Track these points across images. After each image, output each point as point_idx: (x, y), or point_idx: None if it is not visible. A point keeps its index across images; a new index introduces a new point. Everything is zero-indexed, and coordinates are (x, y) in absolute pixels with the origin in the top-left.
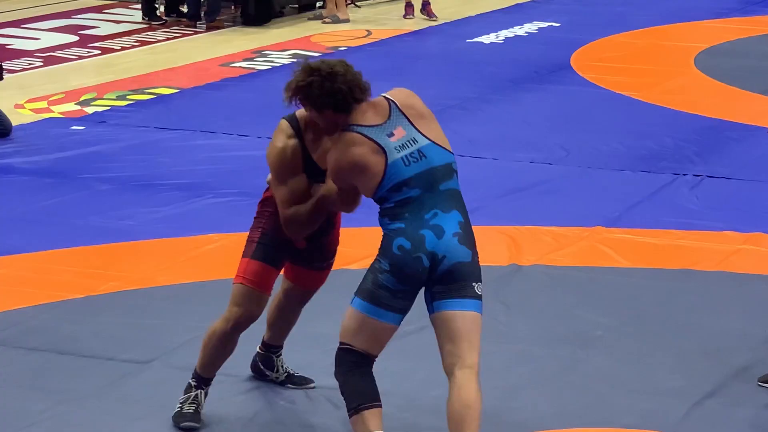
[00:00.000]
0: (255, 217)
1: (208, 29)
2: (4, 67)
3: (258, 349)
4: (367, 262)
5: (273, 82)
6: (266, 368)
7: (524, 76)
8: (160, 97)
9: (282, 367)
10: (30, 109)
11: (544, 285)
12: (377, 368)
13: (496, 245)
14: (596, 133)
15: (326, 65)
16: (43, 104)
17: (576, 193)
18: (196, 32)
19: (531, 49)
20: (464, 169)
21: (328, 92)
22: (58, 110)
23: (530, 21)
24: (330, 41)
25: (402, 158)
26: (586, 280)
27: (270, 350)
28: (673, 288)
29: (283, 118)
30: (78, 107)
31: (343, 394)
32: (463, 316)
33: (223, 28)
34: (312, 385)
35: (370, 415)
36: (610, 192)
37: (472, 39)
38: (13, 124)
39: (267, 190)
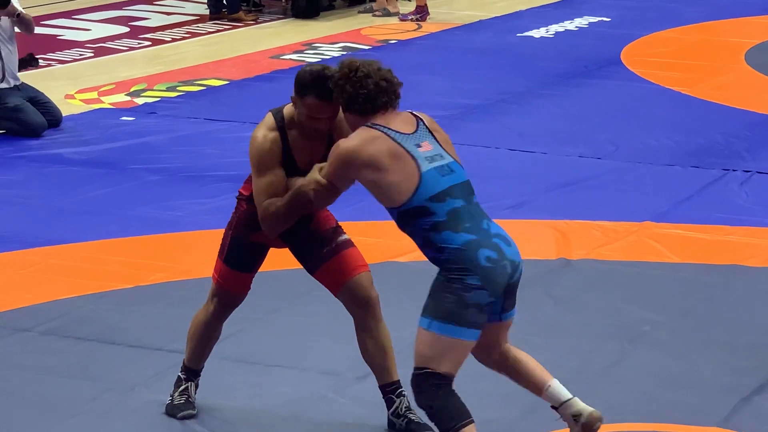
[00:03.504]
0: (233, 215)
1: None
2: (51, 57)
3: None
4: (416, 255)
5: None
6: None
7: (574, 70)
8: (210, 89)
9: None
10: (80, 100)
11: (592, 279)
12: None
13: (545, 239)
14: (646, 128)
15: (364, 67)
16: (94, 95)
17: (625, 188)
18: (247, 25)
19: (581, 43)
20: (513, 162)
21: (356, 94)
22: (108, 101)
23: (580, 16)
24: (380, 34)
25: (436, 168)
26: (635, 274)
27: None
28: (721, 283)
29: (270, 111)
30: (128, 98)
31: (433, 418)
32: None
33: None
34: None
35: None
36: (659, 187)
37: (522, 33)
38: (64, 114)
39: (244, 185)
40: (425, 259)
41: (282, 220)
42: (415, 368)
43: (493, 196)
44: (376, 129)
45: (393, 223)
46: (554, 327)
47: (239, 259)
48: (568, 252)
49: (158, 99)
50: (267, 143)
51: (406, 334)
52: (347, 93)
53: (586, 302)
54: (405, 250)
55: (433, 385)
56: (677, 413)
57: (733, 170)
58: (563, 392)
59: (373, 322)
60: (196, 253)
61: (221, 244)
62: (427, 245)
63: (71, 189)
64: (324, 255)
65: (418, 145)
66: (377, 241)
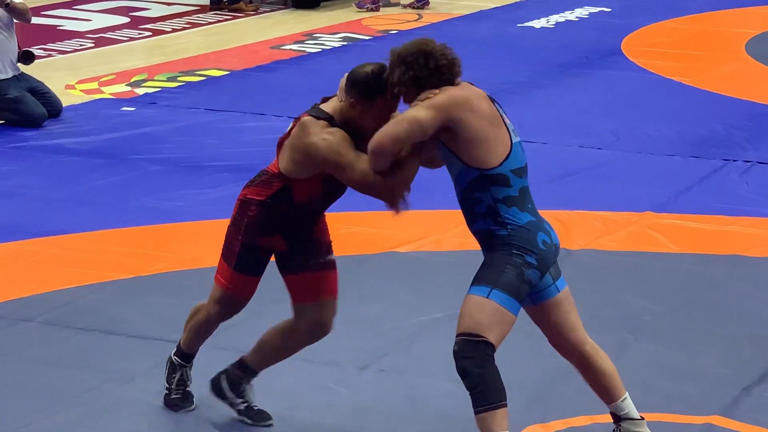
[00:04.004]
0: (235, 219)
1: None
2: (51, 47)
3: (233, 368)
4: (416, 245)
5: (323, 65)
6: (232, 389)
7: (575, 61)
8: (211, 79)
9: (245, 394)
10: (81, 90)
11: (593, 269)
12: (426, 351)
13: None
14: (646, 118)
15: (431, 42)
16: (94, 85)
17: (626, 178)
18: (247, 15)
19: (582, 34)
20: None
21: (437, 65)
22: (108, 91)
23: (581, 6)
24: (381, 25)
25: (519, 143)
26: (635, 265)
27: (247, 373)
28: (722, 274)
29: (309, 115)
30: (128, 88)
31: (476, 388)
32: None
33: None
34: (270, 422)
35: (504, 414)
36: (659, 177)
37: (522, 23)
38: (64, 104)
39: (250, 188)
40: (426, 249)
41: (408, 181)
42: (468, 334)
43: None
44: (475, 87)
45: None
46: None
47: (250, 264)
48: (568, 242)
49: (159, 89)
50: (338, 135)
51: (406, 323)
52: (427, 68)
53: (586, 293)
54: (405, 240)
55: (486, 354)
56: (678, 404)
57: (734, 160)
58: (634, 409)
59: (305, 344)
60: (197, 244)
61: (228, 250)
62: (489, 215)
63: (71, 179)
64: (309, 265)
65: (505, 114)
66: (377, 231)
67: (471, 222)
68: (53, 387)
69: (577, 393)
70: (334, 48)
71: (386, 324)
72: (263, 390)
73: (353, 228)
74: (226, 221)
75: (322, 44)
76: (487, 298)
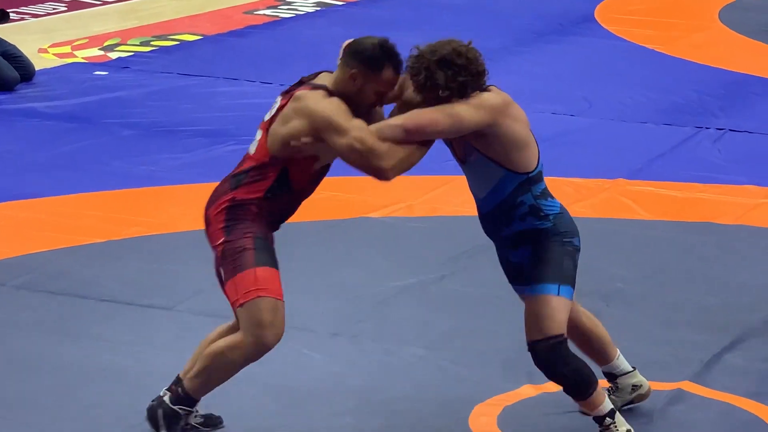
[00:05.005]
0: (225, 226)
1: None
2: (24, 11)
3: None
4: (388, 211)
5: (296, 30)
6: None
7: (548, 28)
8: (184, 44)
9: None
10: (53, 54)
11: None
12: (399, 317)
13: None
14: (619, 85)
15: (464, 47)
16: (67, 49)
17: (598, 145)
18: None
19: (555, 1)
20: None
21: (477, 72)
22: (81, 55)
23: None
24: None
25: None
26: (607, 232)
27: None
28: (693, 241)
29: (305, 83)
30: (101, 52)
31: (576, 384)
32: None
33: None
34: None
35: (599, 385)
36: (632, 144)
37: None
38: (36, 68)
39: (237, 189)
40: (397, 215)
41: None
42: (553, 336)
43: None
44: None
45: (366, 178)
46: None
47: (272, 256)
48: None
49: (132, 54)
50: (336, 101)
51: (379, 289)
52: (471, 74)
53: None
54: (377, 206)
55: (569, 350)
56: (649, 370)
57: (707, 128)
58: (627, 363)
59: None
60: (170, 208)
61: (235, 259)
62: (531, 214)
63: (44, 143)
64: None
65: None
66: (349, 197)
67: (507, 224)
68: (26, 351)
69: None
70: (308, 13)
71: (359, 290)
72: None
73: (324, 193)
74: (199, 185)
75: (296, 9)
76: (559, 296)
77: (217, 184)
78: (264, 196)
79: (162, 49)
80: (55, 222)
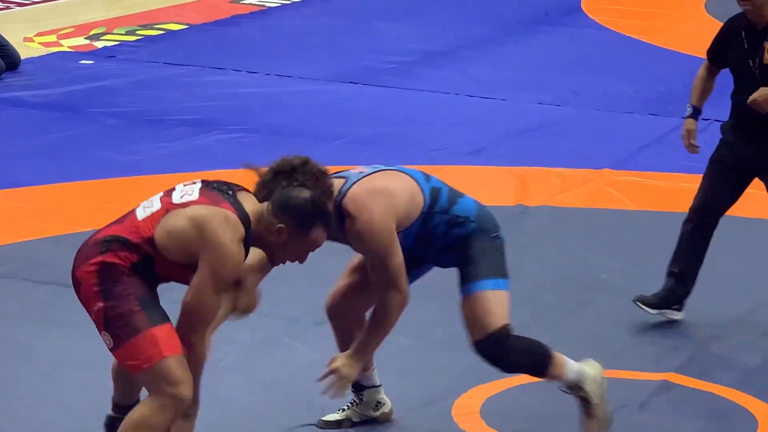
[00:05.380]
0: (102, 290)
1: None
2: (13, 0)
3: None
4: None
5: (283, 20)
6: None
7: (534, 17)
8: (170, 33)
9: None
10: (39, 43)
11: (550, 226)
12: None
13: (503, 186)
14: (606, 75)
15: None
16: (53, 38)
17: (584, 135)
18: None
19: None
20: (472, 109)
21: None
22: (67, 44)
23: None
24: None
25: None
26: (593, 222)
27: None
28: (679, 231)
29: (230, 204)
30: (87, 41)
31: (528, 364)
32: None
33: None
34: None
35: (556, 355)
36: (618, 134)
37: None
38: (22, 57)
39: (107, 253)
40: None
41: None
42: (501, 329)
43: (452, 143)
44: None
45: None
46: (512, 274)
47: (162, 311)
48: (526, 199)
49: (118, 43)
50: (239, 257)
51: None
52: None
53: (543, 249)
54: None
55: (512, 336)
56: (634, 360)
57: None
58: (377, 378)
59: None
60: None
61: (124, 326)
62: (451, 226)
63: (30, 132)
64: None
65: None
66: None
67: (432, 245)
68: (11, 341)
69: None
70: (294, 3)
71: None
72: (217, 342)
73: None
74: (185, 175)
75: None
76: (497, 290)
77: (202, 174)
78: (131, 266)
79: (148, 38)
80: (40, 211)
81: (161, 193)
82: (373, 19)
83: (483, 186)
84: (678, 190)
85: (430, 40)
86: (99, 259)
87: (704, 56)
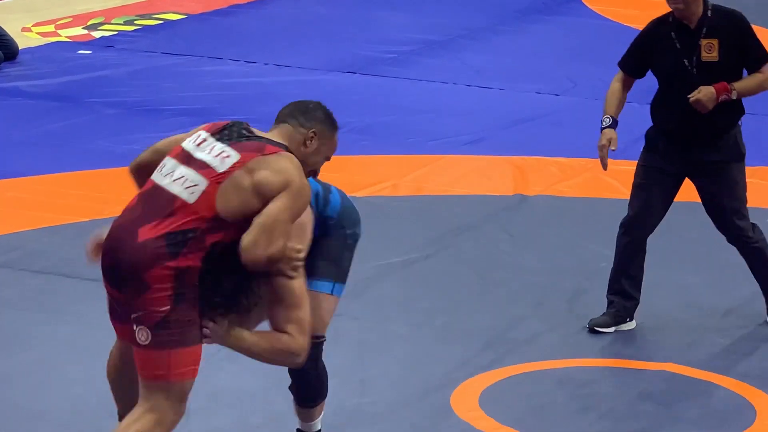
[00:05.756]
0: (173, 296)
1: None
2: None
3: None
4: (373, 190)
5: (280, 9)
6: None
7: (533, 6)
8: (168, 23)
9: None
10: (37, 33)
11: (549, 215)
12: (382, 295)
13: (501, 175)
14: (603, 65)
15: None
16: (50, 28)
17: (582, 125)
18: None
19: None
20: (471, 99)
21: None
22: (65, 34)
23: None
24: None
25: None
26: (591, 211)
27: None
28: (677, 220)
29: (280, 146)
30: (85, 31)
31: (315, 388)
32: None
33: None
34: None
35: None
36: None
37: None
38: (20, 47)
39: (182, 256)
40: (383, 194)
41: None
42: (315, 337)
43: (451, 132)
44: None
45: (353, 158)
46: (511, 263)
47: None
48: (524, 188)
49: (115, 33)
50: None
51: (362, 268)
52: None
53: (542, 238)
54: (362, 184)
55: (321, 354)
56: (633, 349)
57: None
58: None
59: None
60: None
61: (180, 329)
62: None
63: (28, 122)
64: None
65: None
66: (334, 176)
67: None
68: (8, 329)
69: (530, 339)
70: None
71: None
72: None
73: None
74: None
75: None
76: (331, 294)
77: None
78: (202, 267)
79: (146, 28)
80: (38, 201)
81: (181, 165)
82: (372, 8)
83: (481, 175)
84: None
85: (428, 30)
86: (175, 263)
87: None
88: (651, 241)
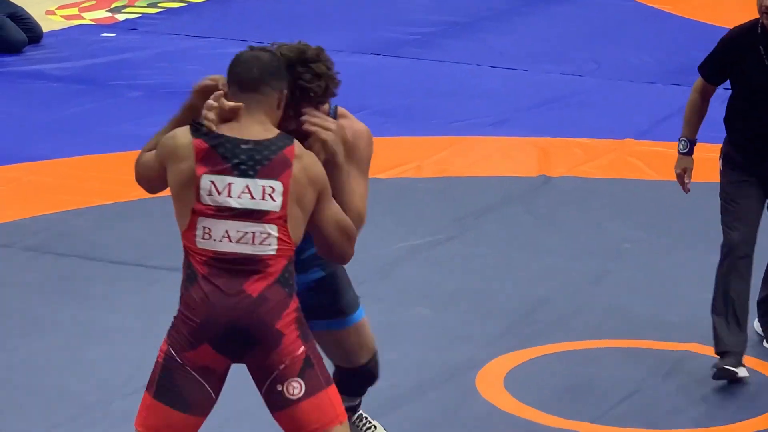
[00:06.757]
0: (300, 334)
1: None
2: None
3: None
4: (397, 172)
5: None
6: None
7: None
8: (191, 5)
9: None
10: (61, 16)
11: (573, 197)
12: (406, 277)
13: (525, 156)
14: (627, 46)
15: None
16: (74, 11)
17: (606, 106)
18: None
19: None
20: (494, 80)
21: None
22: (88, 17)
23: None
24: None
25: None
26: (616, 192)
27: None
28: (702, 201)
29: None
30: (109, 14)
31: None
32: None
33: None
34: None
35: None
36: (640, 105)
37: None
38: (44, 30)
39: (294, 295)
40: (407, 175)
41: None
42: (375, 351)
43: (475, 114)
44: None
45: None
46: (534, 244)
47: None
48: (548, 169)
49: (139, 15)
50: None
51: (386, 250)
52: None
53: (566, 220)
54: (386, 166)
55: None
56: (657, 331)
57: None
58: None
59: None
60: None
61: (321, 367)
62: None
63: (52, 105)
64: None
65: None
66: None
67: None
68: (34, 312)
69: (555, 321)
70: None
71: (366, 250)
72: None
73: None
74: None
75: None
76: (363, 317)
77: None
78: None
79: (170, 10)
80: (62, 184)
81: (230, 222)
82: None
83: (505, 157)
84: (700, 160)
85: (451, 12)
86: (294, 305)
87: (726, 25)
88: (675, 222)
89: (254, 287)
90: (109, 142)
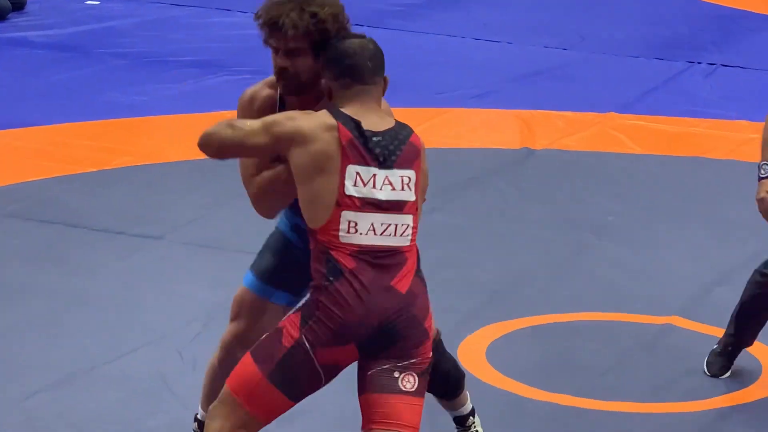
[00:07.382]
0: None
1: None
2: None
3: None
4: None
5: None
6: None
7: None
8: None
9: None
10: None
11: (556, 169)
12: None
13: (509, 129)
14: (612, 19)
15: None
16: None
17: (590, 79)
18: None
19: None
20: (478, 52)
21: None
22: None
23: None
24: None
25: None
26: (598, 165)
27: None
28: (684, 175)
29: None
30: None
31: None
32: None
33: None
34: None
35: None
36: (624, 78)
37: None
38: None
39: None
40: None
41: None
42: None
43: (458, 86)
44: None
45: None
46: (518, 217)
47: None
48: (532, 142)
49: None
50: None
51: None
52: None
53: (549, 192)
54: None
55: (442, 344)
56: (638, 303)
57: (698, 62)
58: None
59: None
60: (161, 138)
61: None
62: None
63: (36, 72)
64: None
65: None
66: None
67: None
68: (16, 279)
69: (537, 293)
70: None
71: None
72: (225, 285)
73: None
74: (191, 116)
75: None
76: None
77: (207, 114)
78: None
79: None
80: (46, 151)
81: (376, 215)
82: None
83: (489, 129)
84: (683, 134)
85: None
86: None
87: (711, 0)
88: (657, 195)
89: (402, 283)
90: (94, 110)
